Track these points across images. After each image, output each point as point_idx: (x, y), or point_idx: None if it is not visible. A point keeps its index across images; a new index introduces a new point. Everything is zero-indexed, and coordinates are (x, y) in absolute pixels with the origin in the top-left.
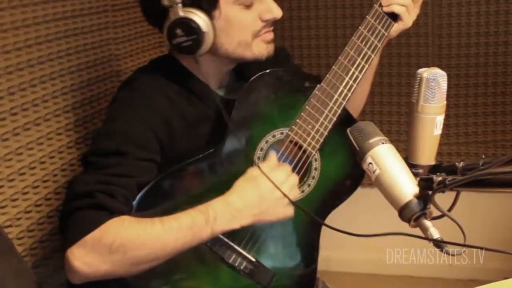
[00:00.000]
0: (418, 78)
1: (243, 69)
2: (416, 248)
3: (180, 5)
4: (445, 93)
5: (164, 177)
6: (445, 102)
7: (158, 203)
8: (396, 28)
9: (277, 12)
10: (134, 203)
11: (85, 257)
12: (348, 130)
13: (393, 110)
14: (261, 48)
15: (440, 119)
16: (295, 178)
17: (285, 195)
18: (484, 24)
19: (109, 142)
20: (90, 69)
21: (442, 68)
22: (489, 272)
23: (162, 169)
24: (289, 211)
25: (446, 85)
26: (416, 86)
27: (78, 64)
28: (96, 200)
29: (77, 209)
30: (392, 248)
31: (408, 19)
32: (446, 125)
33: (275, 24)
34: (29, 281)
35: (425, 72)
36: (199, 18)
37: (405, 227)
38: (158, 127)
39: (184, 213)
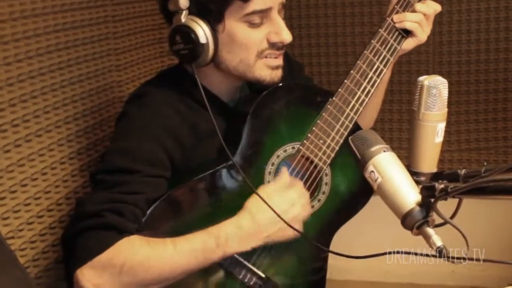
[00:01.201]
0: (419, 86)
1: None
2: (420, 257)
3: (185, 12)
4: (446, 100)
5: (175, 191)
6: (446, 109)
7: (169, 217)
8: (410, 43)
9: (285, 36)
10: (145, 217)
11: (95, 279)
12: (350, 138)
13: (394, 118)
14: (264, 73)
15: (441, 127)
16: (307, 196)
17: (288, 225)
18: (484, 30)
19: (118, 160)
20: (91, 80)
21: (442, 75)
22: (492, 279)
23: (173, 184)
24: (299, 229)
25: (447, 92)
26: (417, 94)
27: (79, 75)
28: (104, 220)
29: (86, 229)
30: (395, 256)
31: (421, 34)
32: (447, 132)
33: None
34: None
35: (426, 80)
36: (200, 28)
37: (407, 235)
38: (168, 144)
39: (195, 235)
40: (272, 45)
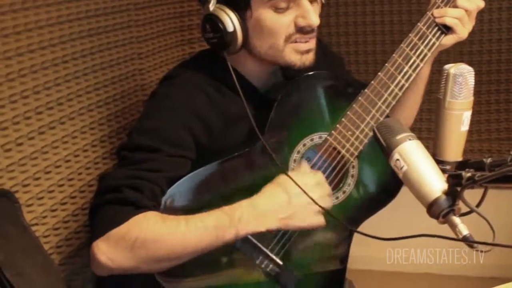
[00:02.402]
0: (445, 74)
1: (291, 69)
2: (440, 248)
3: (214, 0)
4: (472, 88)
5: (198, 172)
6: (472, 98)
7: (188, 198)
8: (450, 39)
9: (312, 20)
10: (164, 197)
11: (108, 252)
12: (375, 126)
13: (424, 107)
14: (294, 58)
15: (467, 115)
16: (326, 188)
17: (313, 201)
18: (505, 19)
19: (142, 138)
20: (113, 68)
21: None
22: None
23: (198, 165)
24: (319, 219)
25: (473, 80)
26: (443, 82)
27: (101, 63)
28: (122, 195)
29: (104, 203)
30: (416, 247)
31: (462, 31)
32: None
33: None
34: (57, 278)
35: (452, 68)
36: (227, 17)
37: (430, 225)
38: (194, 126)
39: (209, 213)
40: (300, 29)
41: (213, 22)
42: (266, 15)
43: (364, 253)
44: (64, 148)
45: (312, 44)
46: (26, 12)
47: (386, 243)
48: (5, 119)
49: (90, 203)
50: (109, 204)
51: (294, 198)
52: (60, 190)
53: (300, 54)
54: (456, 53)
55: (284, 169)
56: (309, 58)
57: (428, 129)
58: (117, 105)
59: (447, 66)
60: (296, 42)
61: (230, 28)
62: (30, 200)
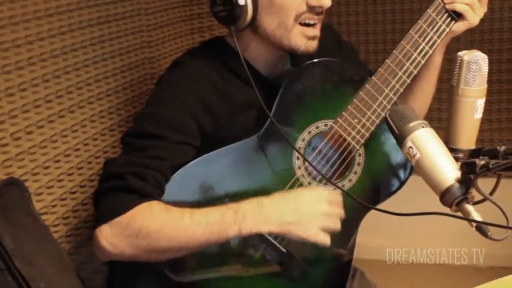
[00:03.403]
0: (459, 61)
1: (299, 57)
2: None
3: None
4: (486, 76)
5: (201, 160)
6: (486, 85)
7: (191, 185)
8: (460, 26)
9: (324, 0)
10: (167, 183)
11: (111, 238)
12: (387, 114)
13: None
14: (300, 42)
15: (481, 103)
16: (338, 209)
17: (333, 184)
18: None
19: (147, 125)
20: (123, 56)
21: None
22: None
23: (202, 153)
24: (323, 237)
25: (487, 68)
26: (456, 69)
27: (111, 51)
28: (126, 182)
29: (108, 190)
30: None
31: (473, 17)
32: None
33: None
34: (66, 267)
35: (466, 55)
36: None
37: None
38: (198, 113)
39: (214, 208)
40: (311, 9)
41: None
42: None
43: (372, 242)
44: (74, 137)
45: (317, 30)
46: (36, 0)
47: (394, 232)
48: (15, 107)
49: (95, 188)
50: (113, 191)
51: (303, 206)
52: (70, 179)
53: (306, 39)
54: (467, 42)
55: (296, 149)
56: (313, 45)
57: (439, 118)
58: (126, 93)
59: (461, 53)
60: (303, 25)
61: (241, 1)
62: (40, 189)
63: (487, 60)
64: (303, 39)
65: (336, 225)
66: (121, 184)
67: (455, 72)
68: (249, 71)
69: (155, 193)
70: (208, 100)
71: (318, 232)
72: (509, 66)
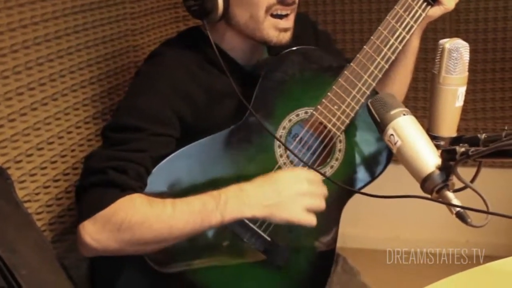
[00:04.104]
0: (440, 49)
1: (276, 46)
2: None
3: None
4: (467, 64)
5: (182, 151)
6: (467, 73)
7: (173, 176)
8: (437, 10)
9: None
10: (149, 176)
11: (95, 234)
12: (369, 101)
13: (419, 86)
14: (272, 34)
15: (462, 91)
16: (318, 187)
17: (316, 171)
18: None
19: (126, 118)
20: (107, 44)
21: None
22: (506, 248)
23: (183, 144)
24: (308, 217)
25: (468, 56)
26: (438, 57)
27: (95, 39)
28: (107, 177)
29: (90, 185)
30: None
31: (448, 2)
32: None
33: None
34: (50, 255)
35: (447, 43)
36: None
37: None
38: (177, 103)
39: (196, 197)
40: (281, 1)
41: None
42: None
43: (358, 231)
44: (57, 125)
45: (290, 22)
46: None
47: (377, 221)
48: None
49: (76, 184)
50: (94, 186)
51: (282, 186)
52: (53, 166)
53: (278, 31)
54: (453, 31)
55: (276, 137)
56: (285, 37)
57: (424, 107)
58: (110, 81)
59: (442, 41)
60: (276, 16)
61: None
62: (23, 177)
63: (468, 48)
64: (275, 31)
65: (320, 203)
66: (102, 178)
67: (437, 60)
68: (226, 61)
69: (137, 186)
70: (187, 90)
71: (302, 212)
72: (493, 56)
